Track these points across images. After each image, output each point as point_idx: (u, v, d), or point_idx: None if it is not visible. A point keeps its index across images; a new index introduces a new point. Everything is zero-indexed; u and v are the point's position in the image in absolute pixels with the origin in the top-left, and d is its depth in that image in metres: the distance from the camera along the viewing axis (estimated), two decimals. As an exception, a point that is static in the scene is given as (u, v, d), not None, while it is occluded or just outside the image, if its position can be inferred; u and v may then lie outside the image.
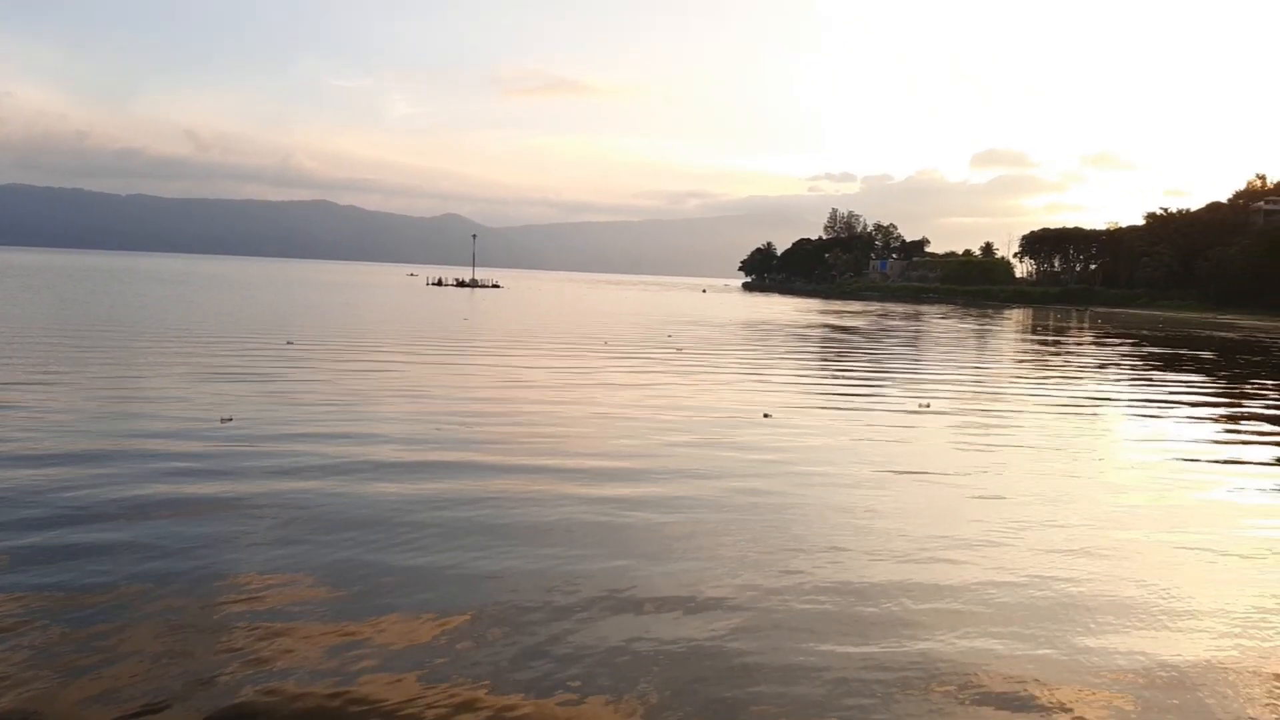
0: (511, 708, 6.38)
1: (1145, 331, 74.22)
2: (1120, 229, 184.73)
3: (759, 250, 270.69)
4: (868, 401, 23.41)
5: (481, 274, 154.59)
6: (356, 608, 7.99)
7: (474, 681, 6.72)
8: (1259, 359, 47.01)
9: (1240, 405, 26.03)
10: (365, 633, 7.46)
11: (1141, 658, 7.51)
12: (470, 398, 20.96)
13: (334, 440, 15.03)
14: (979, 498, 12.99)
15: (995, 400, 25.06)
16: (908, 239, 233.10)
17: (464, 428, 16.83)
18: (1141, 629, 8.17)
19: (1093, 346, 53.23)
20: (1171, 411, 23.90)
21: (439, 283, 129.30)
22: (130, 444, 14.10)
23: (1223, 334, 73.81)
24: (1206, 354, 49.56)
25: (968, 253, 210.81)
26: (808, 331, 58.12)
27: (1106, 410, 24.27)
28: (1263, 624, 8.42)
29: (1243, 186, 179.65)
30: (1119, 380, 32.86)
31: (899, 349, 46.29)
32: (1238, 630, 8.23)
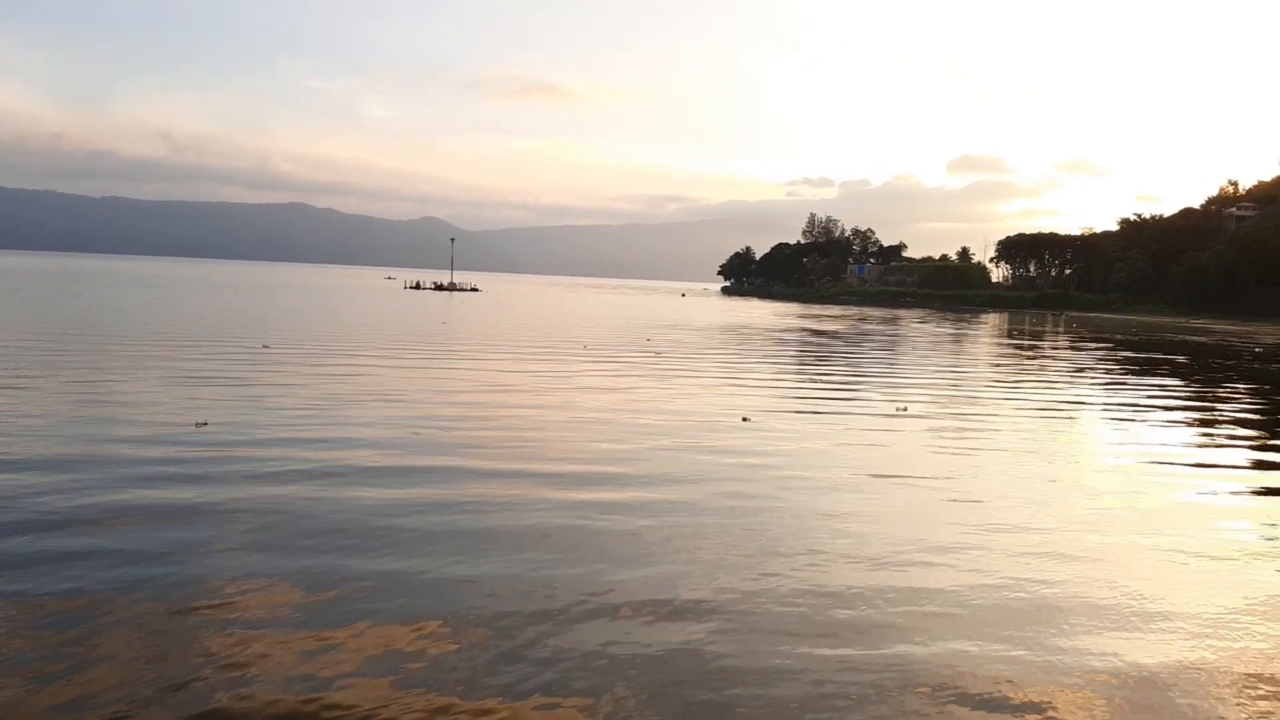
0: (487, 712, 6.36)
1: (1120, 336, 74.95)
2: (1095, 234, 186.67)
3: (738, 254, 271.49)
4: (846, 405, 23.51)
5: (460, 277, 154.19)
6: (332, 613, 7.94)
7: (449, 686, 6.70)
8: (1231, 363, 47.57)
9: (1213, 409, 26.33)
10: (340, 638, 7.42)
11: (1115, 659, 7.58)
12: (448, 402, 20.88)
13: (310, 445, 14.93)
14: (955, 501, 13.07)
15: (972, 404, 25.23)
16: (885, 244, 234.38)
17: (442, 432, 16.76)
18: (1115, 631, 8.25)
19: (1068, 350, 53.69)
20: (1146, 415, 24.15)
21: (417, 286, 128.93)
22: (103, 449, 13.96)
23: (1196, 338, 74.63)
24: (1180, 358, 50.10)
25: (944, 258, 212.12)
26: (786, 335, 58.30)
27: (1082, 414, 24.49)
28: (1233, 625, 8.52)
29: (1215, 193, 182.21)
30: (1094, 384, 33.16)
31: (876, 353, 46.53)
32: (1209, 631, 8.32)
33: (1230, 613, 8.84)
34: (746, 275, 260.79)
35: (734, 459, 15.34)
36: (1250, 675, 7.41)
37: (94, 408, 17.70)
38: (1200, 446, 19.40)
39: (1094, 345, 59.63)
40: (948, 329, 79.36)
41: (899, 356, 44.76)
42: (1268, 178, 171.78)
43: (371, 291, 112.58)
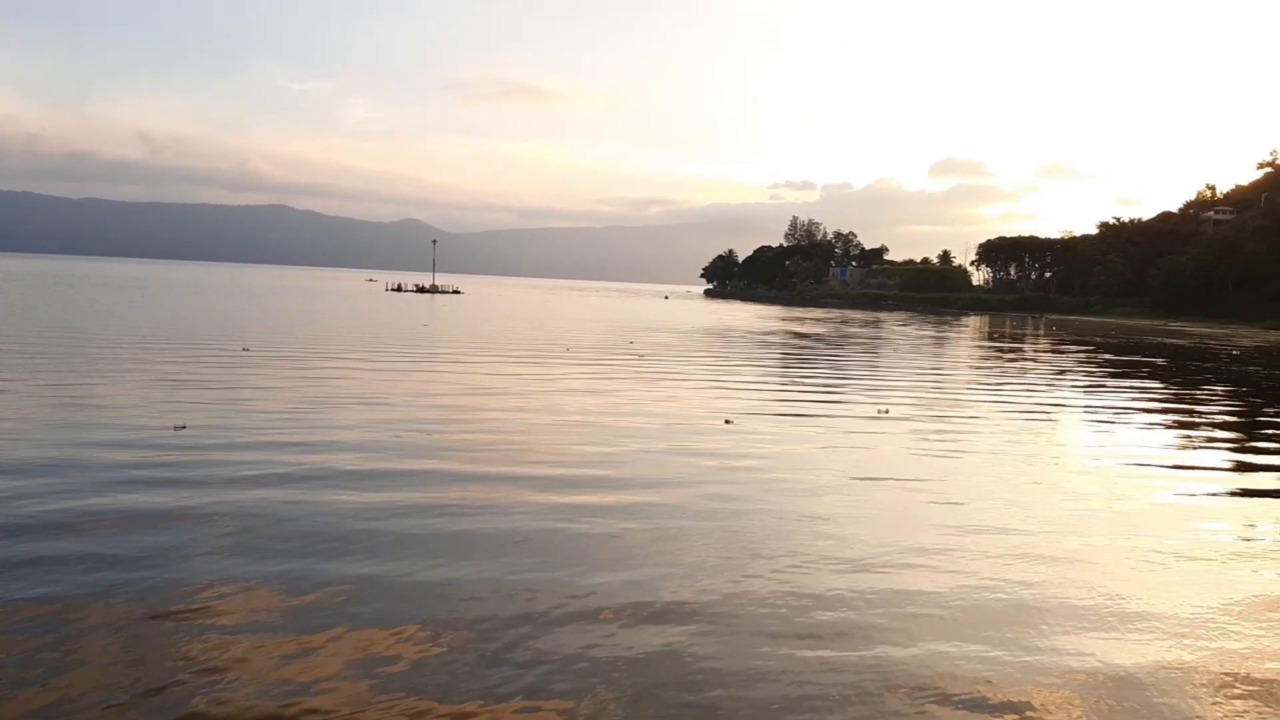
0: (467, 715, 6.35)
1: (1099, 338, 75.51)
2: (1074, 238, 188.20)
3: (721, 257, 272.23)
4: (828, 408, 23.58)
5: (442, 279, 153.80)
6: (311, 617, 7.89)
7: (429, 690, 6.67)
8: (1209, 365, 48.00)
9: (1191, 411, 26.56)
10: (319, 642, 7.38)
11: (1093, 659, 7.63)
12: (430, 405, 20.81)
13: (290, 449, 14.85)
14: (936, 503, 13.12)
15: (953, 406, 25.35)
16: (867, 247, 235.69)
17: (423, 435, 16.70)
18: (1094, 631, 8.30)
19: (1048, 353, 54.04)
20: (1125, 417, 24.33)
21: (399, 288, 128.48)
22: (81, 452, 13.83)
23: (1174, 341, 75.28)
24: (1159, 360, 50.52)
25: (926, 261, 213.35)
26: (769, 338, 58.43)
27: (1063, 416, 24.65)
28: (1210, 625, 8.59)
29: (1193, 197, 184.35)
30: (1074, 386, 33.39)
31: (858, 355, 46.70)
32: (1187, 631, 8.39)
33: (1208, 613, 8.91)
34: (729, 278, 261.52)
35: (716, 461, 15.36)
36: (1227, 674, 7.47)
37: (71, 411, 17.54)
38: (1179, 448, 19.57)
39: (1074, 348, 60.06)
40: (929, 331, 79.73)
41: (881, 359, 44.94)
42: (1244, 182, 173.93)
43: (353, 294, 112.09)
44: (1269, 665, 7.71)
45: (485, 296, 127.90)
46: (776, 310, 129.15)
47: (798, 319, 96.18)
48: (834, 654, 7.56)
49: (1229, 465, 17.45)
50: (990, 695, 6.91)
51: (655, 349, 41.86)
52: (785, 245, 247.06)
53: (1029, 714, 6.68)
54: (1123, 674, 7.38)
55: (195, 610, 7.91)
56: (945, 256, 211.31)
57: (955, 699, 6.84)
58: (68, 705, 6.23)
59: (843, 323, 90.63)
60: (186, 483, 12.20)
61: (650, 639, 7.72)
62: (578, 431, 17.90)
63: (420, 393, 22.88)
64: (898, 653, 7.62)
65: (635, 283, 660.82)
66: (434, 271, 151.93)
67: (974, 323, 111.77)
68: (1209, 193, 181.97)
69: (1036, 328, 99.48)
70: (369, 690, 6.63)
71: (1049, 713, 6.70)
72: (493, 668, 7.06)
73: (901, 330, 79.80)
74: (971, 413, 23.88)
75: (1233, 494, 14.90)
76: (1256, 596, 9.51)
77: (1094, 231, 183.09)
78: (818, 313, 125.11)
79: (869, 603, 8.77)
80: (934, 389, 30.48)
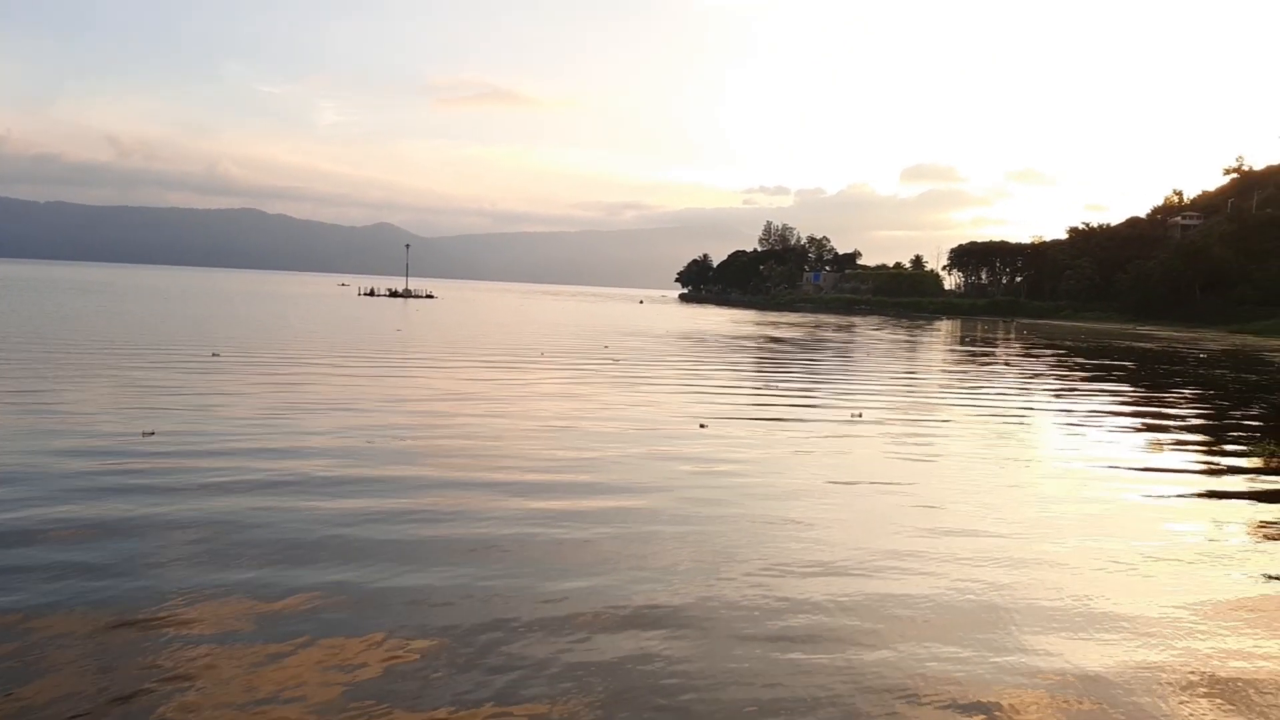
0: (439, 723, 6.31)
1: (1069, 342, 76.30)
2: (1044, 243, 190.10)
3: (695, 262, 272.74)
4: (802, 412, 23.67)
5: (415, 284, 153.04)
6: (280, 624, 7.82)
7: (400, 697, 6.63)
8: (1178, 368, 48.62)
9: (1161, 414, 26.87)
10: (288, 649, 7.31)
11: (1064, 661, 7.70)
12: (403, 410, 20.69)
13: (260, 455, 14.72)
14: (909, 507, 13.19)
15: (927, 410, 25.52)
16: (840, 251, 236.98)
17: (396, 441, 16.60)
18: (1065, 633, 8.37)
19: (1020, 357, 54.54)
20: (1095, 420, 24.59)
21: (371, 293, 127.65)
22: (47, 460, 13.64)
23: (1142, 344, 76.19)
24: (1128, 364, 51.11)
25: (898, 265, 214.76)
26: (743, 342, 58.58)
27: (1034, 419, 24.87)
28: (1177, 625, 8.69)
29: (1160, 202, 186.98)
30: (1046, 390, 33.70)
31: (833, 360, 46.93)
32: (1154, 632, 8.49)
33: (1175, 613, 9.02)
34: (704, 282, 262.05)
35: (691, 466, 15.37)
36: (1193, 674, 7.57)
37: (36, 417, 17.30)
38: (1148, 451, 19.79)
39: (1045, 351, 60.65)
40: (902, 336, 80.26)
41: (854, 363, 45.17)
42: (1211, 188, 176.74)
43: (325, 298, 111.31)
44: (1233, 664, 7.81)
45: (459, 301, 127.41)
46: (751, 315, 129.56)
47: (772, 323, 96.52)
48: (806, 656, 7.59)
49: (1197, 467, 17.67)
50: (960, 696, 6.96)
51: (630, 353, 41.87)
52: (759, 250, 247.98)
53: (997, 714, 6.73)
54: (1091, 674, 7.46)
55: (163, 618, 7.82)
56: (918, 261, 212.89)
57: (926, 700, 6.88)
58: (32, 714, 6.14)
59: (816, 327, 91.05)
60: (155, 490, 12.06)
61: (623, 643, 7.71)
62: (551, 436, 17.87)
63: (393, 398, 22.75)
64: (869, 655, 7.66)
65: (610, 287, 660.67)
66: (407, 276, 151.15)
67: (946, 327, 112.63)
68: (1176, 198, 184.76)
69: (1008, 332, 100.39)
70: (339, 697, 6.58)
71: (1017, 713, 6.76)
72: (464, 674, 7.03)
73: (875, 334, 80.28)
74: (944, 416, 24.05)
75: (1200, 496, 15.09)
76: (1222, 597, 9.64)
77: (1064, 236, 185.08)
78: (792, 317, 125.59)
79: (841, 606, 8.81)
80: (908, 393, 30.68)
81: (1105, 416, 25.42)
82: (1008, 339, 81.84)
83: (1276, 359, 60.70)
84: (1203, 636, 8.44)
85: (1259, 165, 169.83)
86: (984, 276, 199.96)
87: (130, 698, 6.44)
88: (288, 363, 30.59)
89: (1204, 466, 17.77)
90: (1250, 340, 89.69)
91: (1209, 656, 7.95)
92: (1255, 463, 18.22)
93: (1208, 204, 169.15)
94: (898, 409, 25.10)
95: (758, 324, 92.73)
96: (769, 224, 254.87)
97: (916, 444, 18.87)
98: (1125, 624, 8.66)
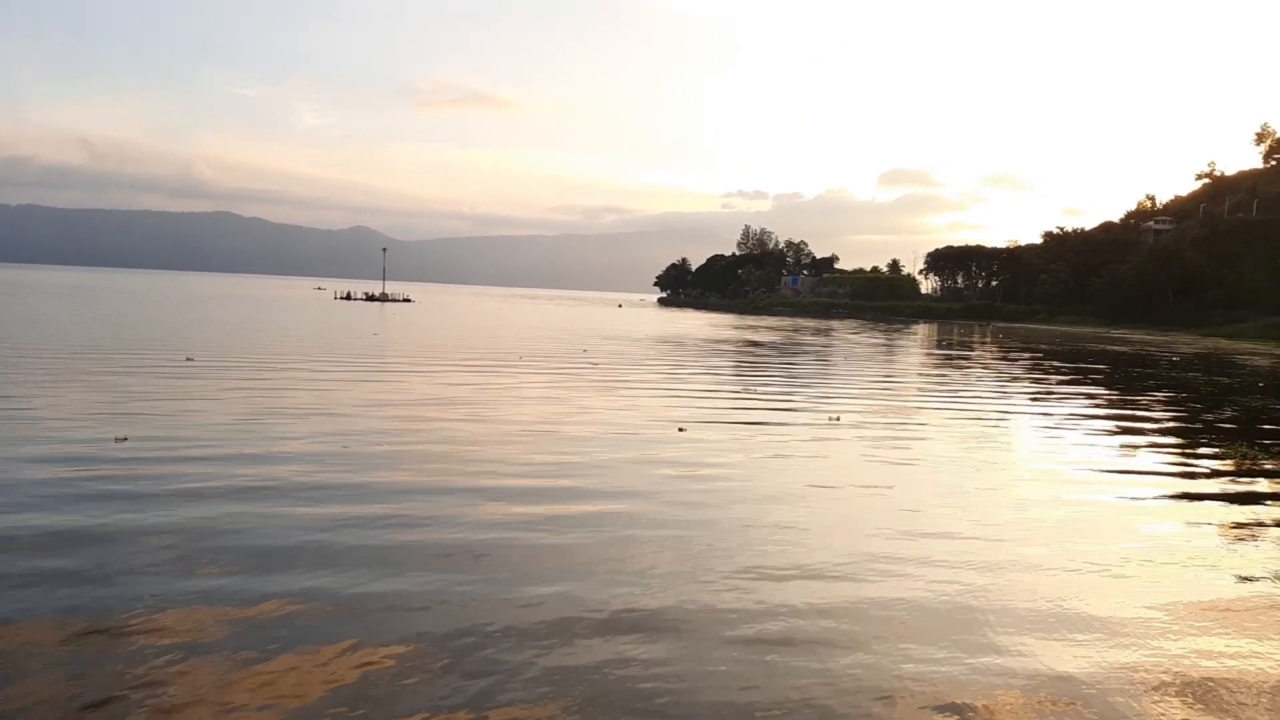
0: (415, 729, 6.27)
1: (1045, 346, 76.91)
2: (1020, 247, 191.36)
3: (674, 266, 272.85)
4: (780, 415, 23.71)
5: (393, 288, 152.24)
6: (254, 631, 7.75)
7: (376, 704, 6.58)
8: (1151, 371, 49.13)
9: (1135, 416, 27.13)
10: (263, 656, 7.25)
11: (1039, 663, 7.76)
12: (380, 415, 20.57)
13: (236, 461, 14.59)
14: (887, 510, 13.25)
15: (904, 413, 25.64)
16: (818, 256, 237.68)
17: (373, 446, 16.51)
18: (1038, 634, 8.43)
19: (996, 360, 54.92)
20: (1071, 423, 24.79)
21: (348, 297, 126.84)
22: (17, 466, 13.48)
23: (1116, 348, 76.92)
24: (1103, 366, 51.58)
25: (875, 269, 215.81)
26: (722, 346, 58.67)
27: (1010, 422, 25.04)
28: (1151, 627, 8.77)
29: (1134, 207, 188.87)
30: (1022, 393, 33.94)
31: (811, 363, 47.07)
32: (1128, 633, 8.56)
33: (1148, 614, 9.10)
34: (683, 286, 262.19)
35: (669, 470, 15.37)
36: (1166, 674, 7.64)
37: (7, 423, 17.08)
38: (1124, 454, 19.98)
39: (1021, 355, 61.10)
40: (879, 339, 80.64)
41: (832, 367, 45.33)
42: (1183, 193, 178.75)
43: (301, 302, 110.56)
44: (1205, 664, 7.89)
45: (437, 305, 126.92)
46: (729, 319, 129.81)
47: (750, 327, 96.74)
48: (783, 659, 7.60)
49: (1171, 470, 17.83)
50: (936, 698, 6.99)
51: (609, 357, 41.85)
52: (738, 254, 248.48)
53: (971, 715, 6.76)
54: (1065, 675, 7.51)
55: (136, 625, 7.73)
56: (895, 265, 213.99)
57: (902, 702, 6.91)
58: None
59: (795, 331, 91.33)
60: (127, 496, 11.93)
61: (600, 648, 7.70)
62: (530, 441, 17.82)
63: (370, 402, 22.61)
64: (846, 657, 7.68)
65: (589, 291, 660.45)
66: (384, 279, 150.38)
67: (923, 330, 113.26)
68: (1149, 203, 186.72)
69: (984, 335, 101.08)
70: (314, 704, 6.53)
71: (992, 714, 6.79)
72: (440, 679, 6.99)
73: (852, 338, 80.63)
74: (922, 420, 24.18)
75: (1174, 497, 15.23)
76: (1196, 598, 9.73)
77: (1039, 241, 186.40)
78: (770, 321, 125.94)
79: (819, 609, 8.83)
80: (885, 396, 30.81)
81: (1081, 419, 25.63)
82: (984, 342, 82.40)
83: (1247, 362, 61.49)
84: (1176, 637, 8.52)
85: (1230, 171, 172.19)
86: (960, 280, 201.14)
87: (102, 704, 6.37)
88: (263, 367, 30.35)
89: (1178, 469, 17.95)
90: (1222, 343, 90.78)
91: (1181, 657, 8.03)
92: (1228, 465, 18.44)
93: (1180, 209, 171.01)
94: (875, 412, 25.20)
95: (736, 328, 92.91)
96: (747, 228, 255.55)
97: (894, 447, 18.95)
98: (1099, 625, 8.73)
